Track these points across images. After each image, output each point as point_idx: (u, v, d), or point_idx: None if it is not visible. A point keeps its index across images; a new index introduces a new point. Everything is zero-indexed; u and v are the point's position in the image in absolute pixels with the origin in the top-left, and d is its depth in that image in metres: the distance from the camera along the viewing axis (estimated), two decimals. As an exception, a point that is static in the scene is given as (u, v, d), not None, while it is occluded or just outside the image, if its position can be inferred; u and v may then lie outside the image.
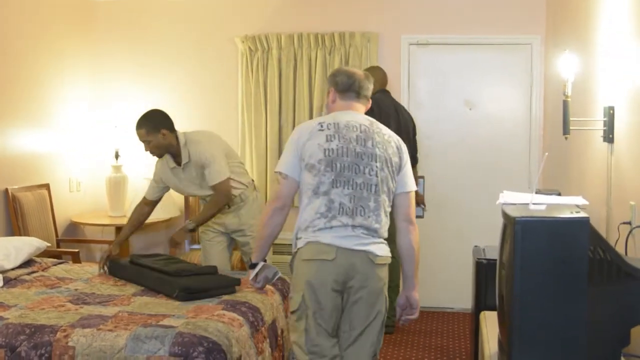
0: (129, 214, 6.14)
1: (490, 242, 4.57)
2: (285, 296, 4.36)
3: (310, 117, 6.17)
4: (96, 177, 6.50)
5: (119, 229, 6.03)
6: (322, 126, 3.03)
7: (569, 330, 2.43)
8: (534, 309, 2.43)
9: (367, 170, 2.99)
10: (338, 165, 2.96)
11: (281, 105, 6.27)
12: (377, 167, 3.00)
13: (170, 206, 6.13)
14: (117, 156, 6.29)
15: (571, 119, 3.45)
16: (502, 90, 5.90)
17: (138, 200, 6.08)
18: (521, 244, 2.41)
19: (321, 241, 2.96)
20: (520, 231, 2.41)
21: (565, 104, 3.45)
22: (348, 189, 2.96)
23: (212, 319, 3.52)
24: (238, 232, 4.93)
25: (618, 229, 3.03)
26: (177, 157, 4.67)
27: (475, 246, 4.27)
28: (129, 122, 6.39)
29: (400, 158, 3.12)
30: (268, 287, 4.30)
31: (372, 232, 3.01)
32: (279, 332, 4.09)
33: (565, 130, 3.46)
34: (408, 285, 3.20)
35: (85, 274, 4.54)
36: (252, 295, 4.04)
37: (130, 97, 6.54)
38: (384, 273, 3.07)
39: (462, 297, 5.64)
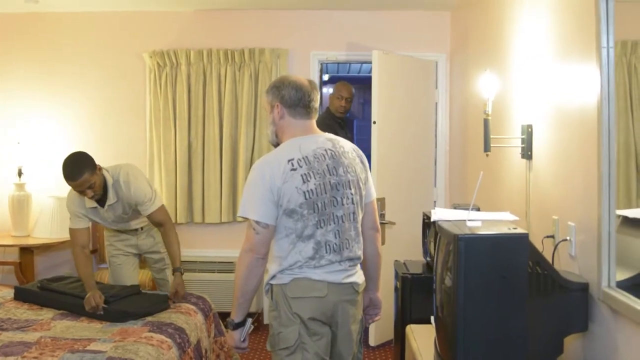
0: (33, 234, 5.95)
1: (404, 255, 4.68)
2: (207, 315, 4.32)
3: (221, 134, 6.14)
4: (-3, 196, 6.21)
5: (23, 249, 5.82)
6: (293, 165, 2.84)
7: (509, 341, 2.54)
8: (477, 322, 2.53)
9: (344, 201, 2.92)
10: (319, 205, 2.85)
11: (190, 120, 6.20)
12: (352, 193, 2.95)
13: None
14: (20, 174, 6.03)
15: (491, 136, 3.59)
16: (409, 107, 6.01)
17: (43, 219, 5.91)
18: (464, 260, 2.50)
19: (311, 277, 2.87)
20: (464, 247, 2.49)
21: (485, 122, 3.59)
22: (331, 224, 2.88)
23: (140, 341, 3.46)
24: (151, 252, 4.84)
25: (542, 242, 3.17)
26: (100, 197, 4.39)
27: (396, 261, 4.35)
28: (32, 138, 6.22)
29: (365, 170, 3.08)
30: (190, 306, 4.27)
31: (356, 260, 3.00)
32: (204, 352, 4.05)
33: (486, 148, 3.60)
34: (372, 287, 3.22)
35: (-4, 298, 4.35)
36: (176, 316, 3.99)
37: (33, 113, 6.30)
38: (362, 297, 3.09)
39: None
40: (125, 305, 3.98)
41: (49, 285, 4.33)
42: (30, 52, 6.34)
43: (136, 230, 4.72)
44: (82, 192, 4.24)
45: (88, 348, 3.34)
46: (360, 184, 3.01)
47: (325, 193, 2.88)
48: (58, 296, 4.17)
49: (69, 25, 6.31)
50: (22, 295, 4.30)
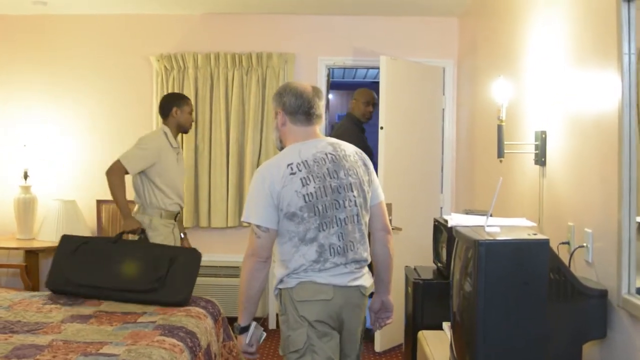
0: (38, 237, 5.95)
1: (411, 261, 4.68)
2: (216, 319, 4.31)
3: (227, 138, 6.14)
4: (3, 198, 6.20)
5: (28, 252, 5.80)
6: (292, 169, 2.88)
7: (528, 347, 2.53)
8: (496, 328, 2.52)
9: (346, 203, 2.93)
10: (320, 207, 2.87)
11: (197, 124, 6.20)
12: (354, 196, 2.95)
13: (82, 228, 5.93)
14: (26, 176, 6.03)
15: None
16: (416, 113, 6.01)
17: (49, 221, 5.90)
18: (485, 265, 2.49)
19: (317, 281, 2.88)
20: (484, 253, 2.48)
21: (499, 128, 3.58)
22: (334, 227, 2.90)
23: (153, 345, 3.45)
24: None
25: (557, 248, 3.16)
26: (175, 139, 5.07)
27: (407, 266, 4.34)
28: (38, 141, 6.21)
29: (369, 173, 3.08)
30: (200, 310, 4.26)
31: (363, 262, 3.01)
32: (213, 356, 4.04)
33: (500, 154, 3.59)
34: (383, 290, 3.21)
35: (4, 300, 4.31)
36: (186, 320, 3.98)
37: (39, 115, 6.31)
38: (367, 300, 3.10)
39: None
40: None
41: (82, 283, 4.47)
42: (37, 54, 6.35)
43: (180, 212, 5.14)
44: (192, 113, 5.12)
45: (101, 351, 3.32)
46: (364, 187, 3.03)
47: (326, 196, 2.90)
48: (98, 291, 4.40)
49: (76, 27, 6.32)
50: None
